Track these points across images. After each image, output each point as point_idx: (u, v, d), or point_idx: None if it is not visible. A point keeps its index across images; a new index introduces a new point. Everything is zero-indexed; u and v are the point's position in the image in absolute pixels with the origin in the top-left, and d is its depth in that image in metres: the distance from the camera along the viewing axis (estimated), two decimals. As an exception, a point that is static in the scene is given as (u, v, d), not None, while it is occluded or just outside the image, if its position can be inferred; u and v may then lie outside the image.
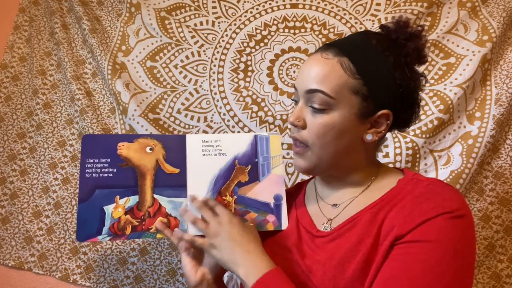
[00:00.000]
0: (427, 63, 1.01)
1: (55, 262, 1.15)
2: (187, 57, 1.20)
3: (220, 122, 1.16)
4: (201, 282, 0.67)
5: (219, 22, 1.20)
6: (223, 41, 1.19)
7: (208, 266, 0.68)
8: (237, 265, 0.60)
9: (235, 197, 0.72)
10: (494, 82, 1.05)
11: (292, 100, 0.70)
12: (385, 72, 0.61)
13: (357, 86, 0.60)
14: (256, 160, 0.74)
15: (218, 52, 1.19)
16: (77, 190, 1.18)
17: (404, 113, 0.65)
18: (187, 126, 1.17)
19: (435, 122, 1.04)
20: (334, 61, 0.61)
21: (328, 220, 0.66)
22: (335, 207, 0.67)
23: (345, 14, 1.14)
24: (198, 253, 0.70)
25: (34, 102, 1.26)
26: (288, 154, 1.12)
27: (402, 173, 0.67)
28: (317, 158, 0.64)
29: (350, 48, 0.62)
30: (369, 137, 0.63)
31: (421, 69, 0.67)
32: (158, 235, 0.71)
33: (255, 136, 0.75)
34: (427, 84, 1.05)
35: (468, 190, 1.03)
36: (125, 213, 0.70)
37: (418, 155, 1.06)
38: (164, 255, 1.13)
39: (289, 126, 1.12)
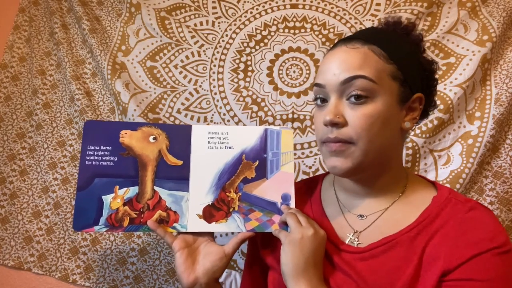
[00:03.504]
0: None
1: (54, 262, 1.15)
2: (187, 57, 1.20)
3: (220, 122, 1.16)
4: (194, 285, 0.63)
5: (219, 22, 1.20)
6: (223, 41, 1.19)
7: (202, 269, 0.64)
8: (295, 279, 0.57)
9: (240, 194, 0.68)
10: (494, 82, 1.05)
11: (316, 99, 0.62)
12: (413, 55, 0.60)
13: (393, 71, 0.57)
14: (265, 155, 0.69)
15: (218, 52, 1.19)
16: (77, 190, 1.19)
17: (430, 97, 0.64)
18: (187, 126, 1.17)
19: (435, 122, 1.04)
20: (364, 49, 0.58)
21: (355, 232, 0.62)
22: (361, 218, 0.63)
23: (345, 14, 1.14)
24: (193, 254, 0.66)
25: (34, 102, 1.25)
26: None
27: (434, 186, 0.64)
28: (363, 154, 0.57)
29: (374, 36, 0.60)
30: (407, 124, 0.59)
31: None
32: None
33: (266, 130, 0.70)
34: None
35: (468, 190, 1.03)
36: (124, 204, 0.67)
37: (418, 155, 1.06)
38: (163, 255, 1.13)
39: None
